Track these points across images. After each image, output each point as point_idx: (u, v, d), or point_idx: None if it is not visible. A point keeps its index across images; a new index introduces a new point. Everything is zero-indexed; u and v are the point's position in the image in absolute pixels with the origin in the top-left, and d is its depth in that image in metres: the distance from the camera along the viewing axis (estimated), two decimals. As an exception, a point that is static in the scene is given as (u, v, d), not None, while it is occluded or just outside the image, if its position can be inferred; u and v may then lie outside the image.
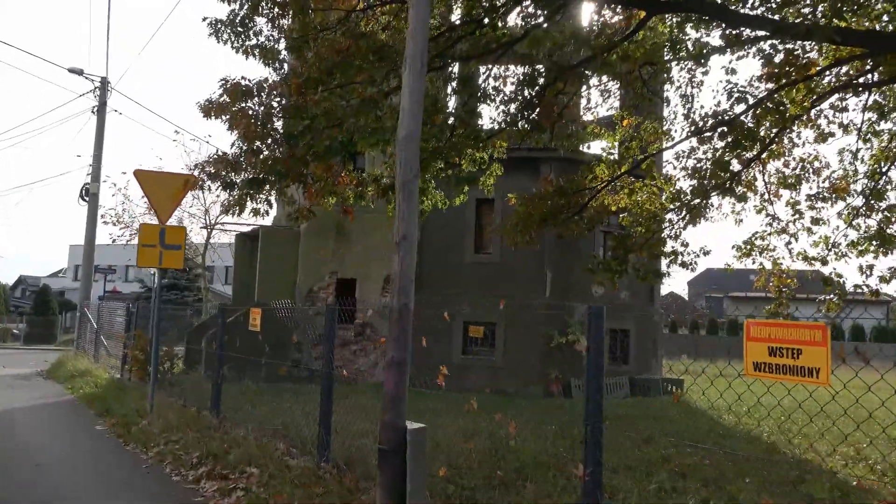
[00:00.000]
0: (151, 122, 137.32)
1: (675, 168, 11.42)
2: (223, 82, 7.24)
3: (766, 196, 11.14)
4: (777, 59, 8.07)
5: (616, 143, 10.54)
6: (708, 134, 9.21)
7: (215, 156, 7.61)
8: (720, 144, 10.18)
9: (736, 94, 8.64)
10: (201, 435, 7.83)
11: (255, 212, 8.22)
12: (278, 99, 6.90)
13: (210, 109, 7.50)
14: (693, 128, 9.27)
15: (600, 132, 11.42)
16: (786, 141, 10.37)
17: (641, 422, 11.38)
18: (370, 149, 7.38)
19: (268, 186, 7.92)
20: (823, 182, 11.36)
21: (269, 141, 6.90)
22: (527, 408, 12.12)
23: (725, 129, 9.06)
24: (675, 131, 11.14)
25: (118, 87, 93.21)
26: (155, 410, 9.13)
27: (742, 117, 9.03)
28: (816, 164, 11.27)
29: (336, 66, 7.55)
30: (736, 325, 34.89)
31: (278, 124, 7.29)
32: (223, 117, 7.24)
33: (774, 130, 9.36)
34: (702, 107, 10.51)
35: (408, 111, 4.58)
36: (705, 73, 9.98)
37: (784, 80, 7.95)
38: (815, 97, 8.31)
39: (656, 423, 11.06)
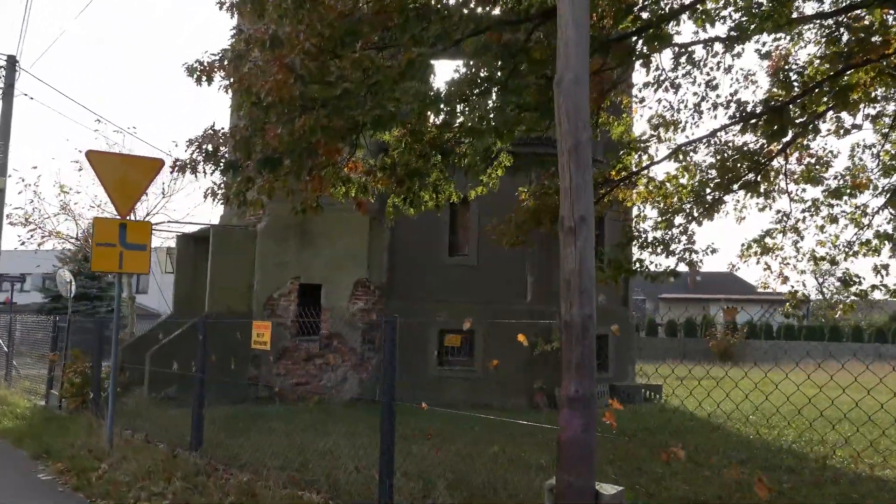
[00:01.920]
0: (68, 111, 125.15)
1: (680, 161, 10.68)
2: (236, 32, 5.68)
3: (785, 190, 10.56)
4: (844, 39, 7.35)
5: (637, 132, 9.63)
6: (752, 121, 8.41)
7: (211, 130, 6.00)
8: (751, 134, 9.52)
9: (791, 78, 7.91)
10: (190, 483, 6.20)
11: (253, 204, 6.65)
12: (302, 57, 5.43)
13: (207, 71, 5.90)
14: (739, 114, 8.46)
15: (609, 121, 10.53)
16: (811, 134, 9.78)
17: (658, 435, 10.56)
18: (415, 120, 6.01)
19: (268, 171, 6.36)
20: (834, 179, 10.94)
21: (297, 107, 5.38)
22: (524, 424, 11.02)
23: (771, 115, 8.31)
24: (683, 120, 10.43)
25: (32, 71, 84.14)
26: (116, 450, 7.32)
27: (788, 104, 8.32)
28: (828, 158, 10.85)
29: (357, 25, 6.15)
30: (674, 325, 35.29)
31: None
32: (228, 80, 5.68)
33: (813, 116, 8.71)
34: (718, 96, 9.71)
35: (573, 46, 3.33)
36: (737, 56, 9.26)
37: (852, 61, 7.22)
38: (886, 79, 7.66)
39: (675, 437, 10.26)
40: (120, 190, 7.59)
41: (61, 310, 25.65)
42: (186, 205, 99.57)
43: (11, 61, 17.32)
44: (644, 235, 10.60)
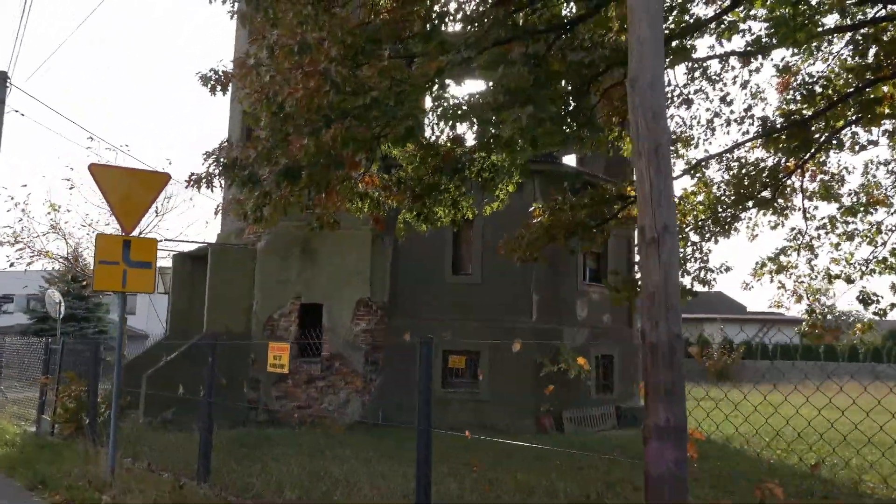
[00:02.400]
0: (61, 128, 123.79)
1: (692, 178, 10.52)
2: (255, 39, 5.41)
3: (800, 207, 10.42)
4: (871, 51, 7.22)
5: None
6: (775, 136, 8.25)
7: (226, 143, 5.71)
8: (767, 150, 9.38)
9: (816, 91, 7.77)
10: (202, 516, 5.81)
11: (269, 220, 6.33)
12: (333, 64, 5.16)
13: (223, 80, 5.63)
14: (762, 128, 8.30)
15: (623, 137, 10.35)
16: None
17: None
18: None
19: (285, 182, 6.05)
20: (848, 196, 10.83)
21: (322, 117, 5.11)
22: (538, 449, 10.64)
23: (794, 130, 8.15)
24: (696, 136, 10.31)
25: (24, 87, 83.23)
26: (117, 479, 6.90)
27: (811, 118, 8.18)
28: (842, 174, 10.75)
29: (377, 33, 5.92)
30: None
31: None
32: (247, 90, 5.40)
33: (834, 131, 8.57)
34: (732, 111, 9.59)
35: (648, 44, 3.09)
36: (756, 71, 9.14)
37: (881, 73, 7.08)
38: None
39: (704, 463, 9.97)
40: (124, 205, 7.25)
41: (48, 331, 25.00)
42: (179, 224, 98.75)
43: (2, 77, 16.93)
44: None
